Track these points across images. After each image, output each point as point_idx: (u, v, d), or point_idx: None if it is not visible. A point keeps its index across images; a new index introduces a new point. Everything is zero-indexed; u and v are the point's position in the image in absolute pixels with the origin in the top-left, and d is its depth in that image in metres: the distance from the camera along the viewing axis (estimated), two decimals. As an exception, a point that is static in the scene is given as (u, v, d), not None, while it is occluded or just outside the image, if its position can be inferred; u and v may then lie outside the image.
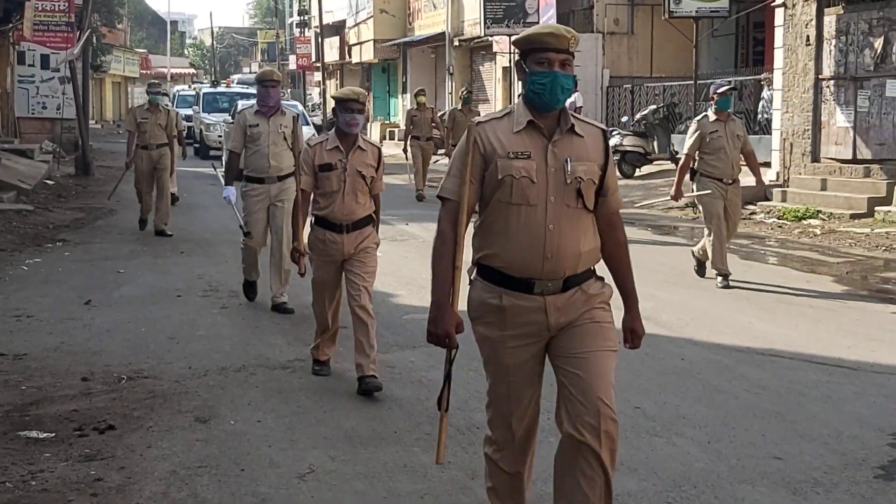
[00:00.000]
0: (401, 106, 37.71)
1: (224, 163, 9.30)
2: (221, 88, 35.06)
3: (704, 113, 9.95)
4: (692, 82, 20.56)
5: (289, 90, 50.60)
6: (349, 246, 6.28)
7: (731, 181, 9.60)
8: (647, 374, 6.54)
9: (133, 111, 14.07)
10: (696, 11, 20.10)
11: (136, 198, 13.74)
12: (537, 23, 26.71)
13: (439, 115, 20.34)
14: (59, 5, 25.65)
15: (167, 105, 15.73)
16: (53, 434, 5.37)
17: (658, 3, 21.61)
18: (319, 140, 6.37)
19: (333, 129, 6.37)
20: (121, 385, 6.33)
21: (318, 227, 6.37)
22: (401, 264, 10.88)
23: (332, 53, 45.45)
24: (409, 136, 18.21)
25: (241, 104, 22.66)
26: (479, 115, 18.01)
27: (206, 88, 34.87)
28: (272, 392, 6.23)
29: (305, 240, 6.55)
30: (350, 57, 44.03)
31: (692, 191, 9.98)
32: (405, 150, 18.26)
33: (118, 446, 5.20)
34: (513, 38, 3.62)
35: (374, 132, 37.21)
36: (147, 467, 4.92)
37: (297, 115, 8.94)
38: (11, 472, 4.82)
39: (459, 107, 17.82)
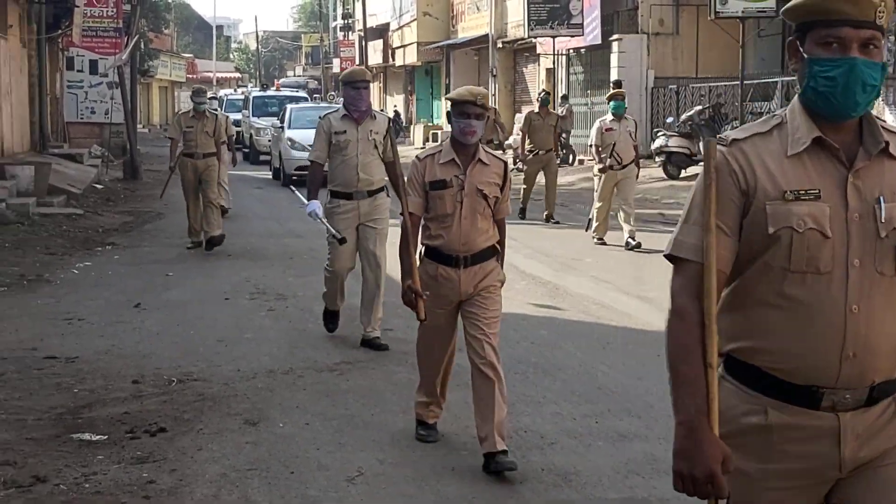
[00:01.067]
0: (443, 108, 37.75)
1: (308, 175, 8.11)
2: (271, 92, 35.28)
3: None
4: (738, 83, 20.38)
5: (333, 93, 50.93)
6: (467, 284, 5.12)
7: None
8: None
9: (178, 118, 13.05)
10: (743, 11, 19.89)
11: (183, 201, 13.00)
12: (581, 25, 26.46)
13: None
14: (107, 11, 26.04)
15: (215, 110, 15.65)
16: (106, 436, 5.44)
17: (703, 4, 21.43)
18: (431, 153, 5.29)
19: (448, 140, 5.30)
20: (171, 388, 6.39)
21: (428, 259, 5.23)
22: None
23: (375, 56, 45.74)
24: None
25: (289, 108, 22.85)
26: (557, 117, 16.69)
27: (256, 92, 35.09)
28: (320, 395, 6.26)
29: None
30: (393, 60, 44.24)
31: None
32: None
33: (169, 449, 5.25)
34: (784, 6, 2.47)
35: (417, 134, 37.34)
36: (198, 469, 4.96)
37: (390, 118, 7.94)
38: (65, 474, 4.89)
39: (537, 109, 16.07)
